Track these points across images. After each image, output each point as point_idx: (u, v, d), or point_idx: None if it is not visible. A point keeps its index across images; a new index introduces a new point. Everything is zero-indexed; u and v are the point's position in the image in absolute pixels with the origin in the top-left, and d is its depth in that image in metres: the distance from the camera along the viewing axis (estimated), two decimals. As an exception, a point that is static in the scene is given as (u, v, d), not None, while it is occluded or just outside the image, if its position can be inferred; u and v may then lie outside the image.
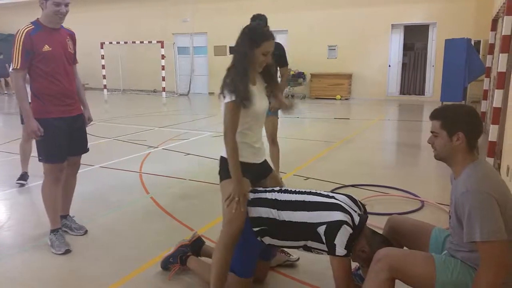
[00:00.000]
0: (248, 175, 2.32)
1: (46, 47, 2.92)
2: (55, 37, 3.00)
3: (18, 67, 2.87)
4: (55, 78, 3.00)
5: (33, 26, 2.91)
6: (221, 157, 2.39)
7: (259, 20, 4.16)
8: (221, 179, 2.38)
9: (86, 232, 3.37)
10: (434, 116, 1.96)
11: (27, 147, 4.70)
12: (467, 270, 1.83)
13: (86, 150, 3.38)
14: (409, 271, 1.88)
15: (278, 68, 4.44)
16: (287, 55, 4.40)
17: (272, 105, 2.66)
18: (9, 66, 4.15)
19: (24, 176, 4.71)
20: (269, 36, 2.25)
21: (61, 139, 3.08)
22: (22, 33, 2.85)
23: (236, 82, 2.19)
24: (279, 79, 4.30)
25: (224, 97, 2.22)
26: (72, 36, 3.19)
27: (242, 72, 2.20)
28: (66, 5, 2.93)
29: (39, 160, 3.09)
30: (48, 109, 3.01)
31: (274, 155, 4.35)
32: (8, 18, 19.85)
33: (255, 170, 2.41)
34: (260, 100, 2.33)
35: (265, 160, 2.52)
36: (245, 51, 2.21)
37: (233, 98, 2.18)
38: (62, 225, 3.36)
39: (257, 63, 2.25)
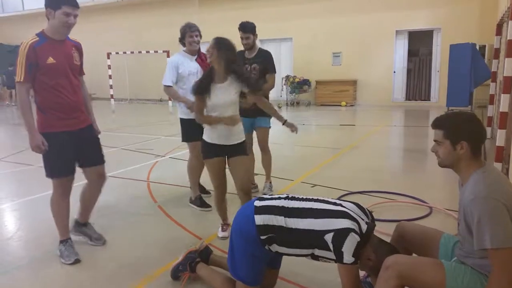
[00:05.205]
0: (211, 153, 3.16)
1: (50, 60, 2.85)
2: (60, 49, 2.93)
3: (21, 80, 2.81)
4: (59, 91, 2.93)
5: (37, 38, 2.85)
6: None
7: (246, 27, 4.25)
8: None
9: (105, 242, 3.35)
10: (436, 125, 1.96)
11: (198, 164, 4.02)
12: (477, 277, 1.82)
13: (102, 159, 3.27)
14: (419, 278, 1.87)
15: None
16: (274, 62, 4.33)
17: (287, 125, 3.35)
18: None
19: (203, 201, 4.18)
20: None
21: (65, 153, 3.00)
22: (26, 45, 2.79)
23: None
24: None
25: None
26: (78, 48, 3.12)
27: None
28: (75, 16, 2.89)
29: (46, 175, 3.05)
30: (51, 123, 2.94)
31: (265, 163, 4.56)
32: (17, 30, 20.15)
33: (217, 149, 3.14)
34: (220, 95, 3.06)
35: (235, 145, 3.16)
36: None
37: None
38: (82, 233, 3.37)
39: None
